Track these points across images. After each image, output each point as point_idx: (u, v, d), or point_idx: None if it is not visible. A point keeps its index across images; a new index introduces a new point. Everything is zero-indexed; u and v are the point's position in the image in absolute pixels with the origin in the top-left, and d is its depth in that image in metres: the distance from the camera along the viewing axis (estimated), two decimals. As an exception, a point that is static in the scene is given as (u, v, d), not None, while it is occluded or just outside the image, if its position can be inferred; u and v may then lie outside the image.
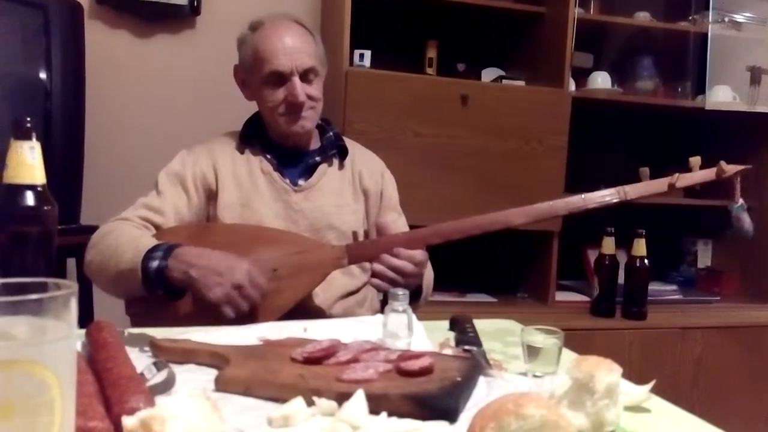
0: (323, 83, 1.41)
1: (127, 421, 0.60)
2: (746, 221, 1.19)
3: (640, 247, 2.09)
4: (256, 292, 1.14)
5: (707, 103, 2.35)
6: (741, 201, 1.18)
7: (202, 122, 2.09)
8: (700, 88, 2.43)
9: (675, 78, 2.51)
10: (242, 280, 1.12)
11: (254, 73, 1.37)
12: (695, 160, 1.19)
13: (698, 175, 1.18)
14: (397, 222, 1.48)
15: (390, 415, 0.71)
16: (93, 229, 1.30)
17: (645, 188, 1.20)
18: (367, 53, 2.04)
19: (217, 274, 1.12)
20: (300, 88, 1.33)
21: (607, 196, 1.18)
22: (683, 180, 1.18)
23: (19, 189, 0.86)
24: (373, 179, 1.47)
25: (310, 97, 1.35)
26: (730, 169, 1.17)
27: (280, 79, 1.34)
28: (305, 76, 1.35)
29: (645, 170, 1.26)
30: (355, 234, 1.41)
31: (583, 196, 1.19)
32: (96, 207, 1.90)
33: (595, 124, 2.46)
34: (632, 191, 1.20)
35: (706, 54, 2.38)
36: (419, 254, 1.21)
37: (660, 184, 1.19)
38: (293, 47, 1.33)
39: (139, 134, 2.20)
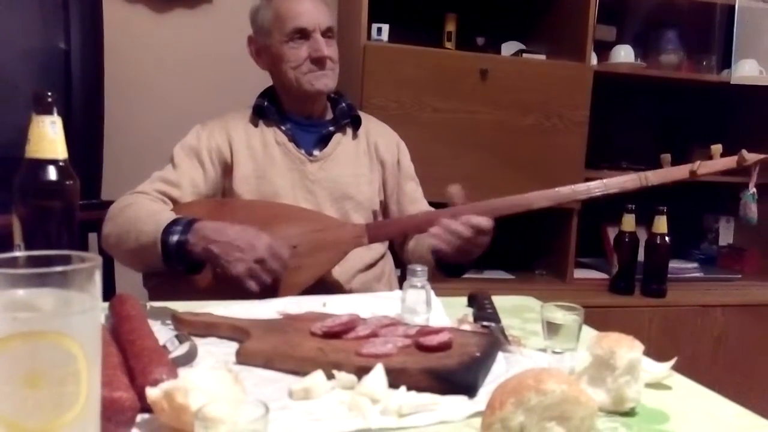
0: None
1: (151, 392, 0.61)
2: (752, 210, 1.21)
3: (660, 224, 2.07)
4: (278, 264, 1.14)
5: (733, 77, 2.29)
6: (754, 190, 1.21)
7: (220, 96, 2.09)
8: (726, 62, 2.37)
9: (700, 51, 2.45)
10: (264, 254, 1.13)
11: (274, 34, 1.37)
12: (716, 148, 1.19)
13: (719, 162, 1.19)
14: (416, 191, 1.50)
15: (409, 389, 0.72)
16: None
17: (666, 175, 1.20)
18: (385, 27, 2.01)
19: (238, 249, 1.12)
20: (323, 43, 1.35)
21: (628, 181, 1.18)
22: (704, 167, 1.18)
23: (42, 163, 0.86)
24: (389, 150, 1.48)
25: (330, 58, 1.37)
26: (751, 157, 1.17)
27: (303, 36, 1.35)
28: (325, 34, 1.37)
29: (666, 156, 1.26)
30: (371, 204, 1.41)
31: (604, 181, 1.19)
32: (116, 182, 1.91)
33: (618, 99, 2.41)
34: (653, 177, 1.20)
35: (733, 27, 2.31)
36: (485, 221, 1.18)
37: (681, 171, 1.20)
38: (314, 7, 1.37)
39: (157, 109, 2.21)
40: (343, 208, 1.38)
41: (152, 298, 1.25)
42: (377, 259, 1.40)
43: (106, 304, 0.89)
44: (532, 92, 2.05)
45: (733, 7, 2.29)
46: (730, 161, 1.19)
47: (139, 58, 2.19)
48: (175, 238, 1.14)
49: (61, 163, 0.88)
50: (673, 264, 2.23)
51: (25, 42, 1.79)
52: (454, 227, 1.16)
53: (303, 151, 1.39)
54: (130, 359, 0.69)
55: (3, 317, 0.45)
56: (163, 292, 1.22)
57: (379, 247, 1.40)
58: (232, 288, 1.14)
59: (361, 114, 1.49)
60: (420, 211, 1.44)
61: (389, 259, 1.47)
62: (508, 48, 2.24)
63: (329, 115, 1.46)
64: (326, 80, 1.38)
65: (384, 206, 1.47)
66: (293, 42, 1.36)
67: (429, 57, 1.98)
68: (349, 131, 1.45)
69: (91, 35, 1.90)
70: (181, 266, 1.17)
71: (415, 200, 1.48)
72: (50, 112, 0.86)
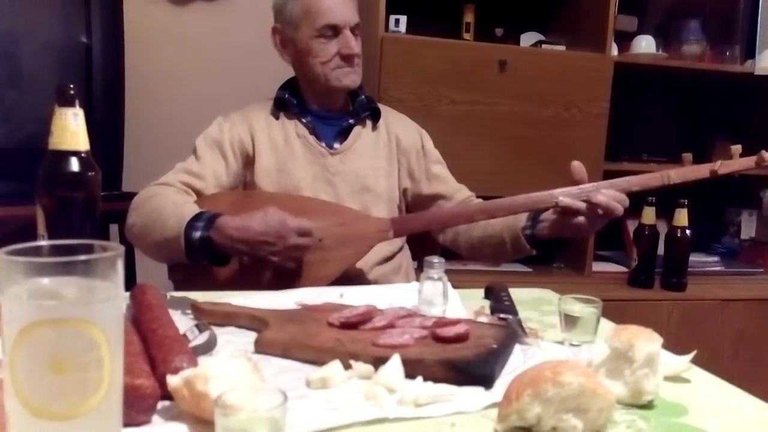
0: None
1: (172, 379, 0.62)
2: None
3: (681, 217, 2.05)
4: (310, 239, 1.16)
5: (756, 68, 2.25)
6: None
7: (240, 88, 2.09)
8: (750, 53, 2.32)
9: (723, 42, 2.40)
10: (294, 239, 1.14)
11: (303, 28, 1.37)
12: (736, 148, 1.21)
13: (739, 162, 1.20)
14: (444, 172, 1.51)
15: (425, 379, 0.72)
16: (135, 195, 1.32)
17: (688, 173, 1.21)
18: (403, 18, 2.00)
19: (267, 243, 1.13)
20: (353, 41, 1.36)
21: (651, 179, 1.19)
22: (725, 167, 1.19)
23: (64, 155, 0.88)
24: (411, 138, 1.48)
25: (357, 55, 1.38)
26: None
27: (334, 32, 1.35)
28: (354, 31, 1.37)
29: (688, 156, 1.29)
30: (391, 196, 1.42)
31: (627, 178, 1.18)
32: (136, 174, 1.93)
33: (639, 90, 2.38)
34: (675, 176, 1.20)
35: (757, 16, 2.27)
36: (625, 201, 1.15)
37: (702, 171, 1.21)
38: (343, 3, 1.37)
39: (177, 102, 2.22)
40: (363, 201, 1.39)
41: (177, 289, 1.26)
42: (395, 252, 1.41)
43: (128, 294, 0.90)
44: (552, 83, 2.03)
45: (758, -4, 2.25)
46: (750, 161, 1.20)
47: (159, 50, 2.21)
48: (198, 234, 1.14)
49: (83, 155, 0.89)
50: (694, 257, 2.20)
51: (47, 36, 1.82)
52: (616, 198, 1.13)
53: (323, 144, 1.39)
54: (152, 348, 0.71)
55: (28, 305, 0.46)
56: (187, 283, 1.23)
57: (398, 241, 1.40)
58: (258, 279, 1.15)
59: (380, 106, 1.49)
60: (447, 191, 1.47)
61: (407, 252, 1.48)
62: (527, 39, 2.22)
63: (349, 108, 1.47)
64: (354, 77, 1.38)
65: (413, 193, 1.47)
66: (323, 38, 1.35)
67: (447, 48, 1.98)
68: (369, 123, 1.45)
69: (112, 29, 1.92)
70: (206, 260, 1.18)
71: (445, 180, 1.49)
72: (72, 105, 0.88)
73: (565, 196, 1.15)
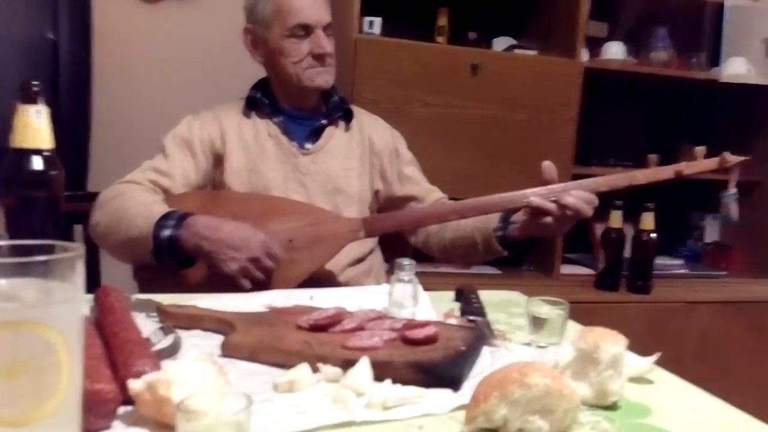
0: None
1: (134, 384, 0.61)
2: (733, 209, 1.27)
3: (648, 220, 2.08)
4: (272, 263, 1.14)
5: (722, 75, 2.30)
6: (734, 190, 1.26)
7: (210, 88, 2.07)
8: (715, 60, 2.39)
9: (690, 49, 2.45)
10: (258, 253, 1.12)
11: (274, 28, 1.36)
12: (700, 150, 1.27)
13: (703, 164, 1.24)
14: (417, 174, 1.51)
15: (394, 382, 0.72)
16: (100, 195, 1.30)
17: (653, 174, 1.25)
18: (377, 20, 2.00)
19: (231, 247, 1.11)
20: (325, 40, 1.35)
21: (618, 180, 1.22)
22: (689, 168, 1.22)
23: (26, 153, 0.86)
24: (384, 140, 1.48)
25: (329, 54, 1.37)
26: (732, 159, 1.22)
27: (305, 31, 1.34)
28: (326, 30, 1.36)
29: (653, 157, 1.37)
30: (362, 197, 1.41)
31: (595, 179, 1.21)
32: (103, 174, 1.89)
33: (608, 95, 2.42)
34: (641, 176, 1.23)
35: (722, 25, 2.32)
36: (595, 201, 1.16)
37: (668, 172, 1.23)
38: (315, 3, 1.36)
39: (146, 101, 2.19)
40: (335, 202, 1.38)
41: (142, 290, 1.24)
42: (366, 254, 1.40)
43: (91, 296, 0.88)
44: (523, 87, 2.05)
45: (723, 5, 2.31)
46: (713, 162, 1.23)
47: (128, 48, 2.18)
48: (167, 233, 1.12)
49: (46, 153, 0.87)
50: (659, 260, 2.24)
51: (13, 32, 1.77)
52: (585, 199, 1.14)
53: (295, 144, 1.38)
54: (113, 351, 0.69)
55: (-17, 307, 0.45)
56: (153, 284, 1.21)
57: (369, 242, 1.40)
58: (223, 283, 1.13)
59: (354, 107, 1.48)
60: (419, 193, 1.47)
61: (378, 254, 1.47)
62: (500, 43, 2.24)
63: (322, 108, 1.46)
64: (326, 76, 1.38)
65: (386, 195, 1.47)
66: (295, 37, 1.34)
67: (421, 51, 1.98)
68: (342, 124, 1.45)
69: (80, 25, 1.88)
70: (173, 261, 1.16)
71: (417, 182, 1.50)
72: (35, 102, 0.86)
73: (535, 196, 1.16)
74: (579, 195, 1.14)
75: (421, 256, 1.38)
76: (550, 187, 1.17)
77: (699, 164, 1.24)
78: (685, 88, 2.49)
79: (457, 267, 2.15)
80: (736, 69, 2.31)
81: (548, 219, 1.15)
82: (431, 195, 1.49)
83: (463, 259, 1.45)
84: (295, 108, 1.42)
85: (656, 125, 2.61)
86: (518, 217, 1.23)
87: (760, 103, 2.41)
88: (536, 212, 1.16)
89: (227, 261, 1.12)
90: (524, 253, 1.35)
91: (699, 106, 2.55)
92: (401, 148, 1.51)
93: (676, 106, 2.60)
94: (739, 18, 2.31)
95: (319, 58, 1.35)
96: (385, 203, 1.49)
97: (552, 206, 1.14)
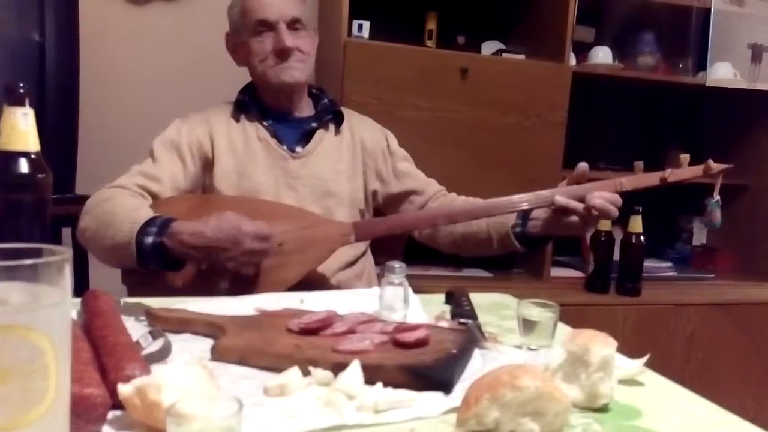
0: (315, 46, 1.43)
1: (123, 388, 0.60)
2: (717, 216, 1.29)
3: (636, 223, 2.10)
4: (268, 243, 1.13)
5: (708, 80, 2.33)
6: (718, 197, 1.27)
7: (199, 91, 2.06)
8: (702, 65, 2.41)
9: (676, 54, 2.48)
10: (249, 244, 1.11)
11: (243, 30, 1.37)
12: (684, 157, 1.27)
13: (687, 171, 1.25)
14: (412, 169, 1.51)
15: (385, 385, 0.72)
16: (88, 198, 1.29)
17: (639, 181, 1.26)
18: (366, 24, 2.01)
19: (222, 249, 1.10)
20: (286, 34, 1.34)
21: (604, 186, 1.23)
22: (674, 175, 1.24)
23: (13, 156, 0.85)
24: (375, 140, 1.48)
25: (298, 49, 1.36)
26: (716, 167, 1.24)
27: (268, 28, 1.34)
28: (292, 25, 1.35)
29: (639, 164, 1.34)
30: (354, 200, 1.41)
31: (583, 185, 1.23)
32: (90, 176, 1.88)
33: (596, 99, 2.44)
34: (627, 183, 1.24)
35: (708, 30, 2.35)
36: (619, 201, 1.19)
37: (653, 178, 1.26)
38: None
39: (133, 104, 2.18)
40: (326, 205, 1.38)
41: (131, 293, 1.23)
42: (358, 257, 1.40)
43: (79, 300, 0.87)
44: (512, 91, 2.06)
45: (709, 10, 2.33)
46: (697, 170, 1.25)
47: (115, 50, 2.16)
48: (150, 239, 1.11)
49: (33, 156, 0.86)
50: (648, 263, 2.26)
51: (-2, 32, 1.76)
52: (610, 200, 1.17)
53: (285, 148, 1.38)
54: (102, 355, 0.68)
55: (-31, 311, 0.44)
56: (142, 287, 1.21)
57: (361, 245, 1.39)
58: (213, 285, 1.13)
59: (343, 109, 1.48)
60: (418, 186, 1.47)
61: (369, 258, 1.47)
62: (488, 47, 2.25)
63: (311, 111, 1.45)
64: (293, 72, 1.36)
65: (384, 194, 1.47)
66: (259, 35, 1.35)
67: (409, 55, 1.98)
68: (332, 127, 1.45)
69: (67, 27, 1.86)
70: (158, 266, 1.15)
71: (414, 176, 1.49)
72: (22, 104, 0.85)
73: (560, 195, 1.18)
74: (604, 196, 1.17)
75: (411, 258, 1.38)
76: (540, 192, 1.19)
77: (683, 171, 1.26)
78: (671, 92, 2.52)
79: (447, 270, 2.15)
80: (722, 74, 2.33)
81: (573, 218, 1.18)
82: (430, 187, 1.49)
83: (474, 252, 1.44)
84: (282, 111, 1.41)
85: (643, 129, 2.63)
86: (539, 214, 1.25)
87: (746, 107, 2.44)
88: (561, 211, 1.18)
89: (224, 262, 1.12)
90: (541, 249, 1.38)
91: (685, 110, 2.58)
92: (393, 146, 1.51)
93: (663, 111, 2.63)
94: (725, 23, 2.34)
95: (280, 53, 1.34)
96: (385, 202, 1.48)
97: (579, 206, 1.16)
